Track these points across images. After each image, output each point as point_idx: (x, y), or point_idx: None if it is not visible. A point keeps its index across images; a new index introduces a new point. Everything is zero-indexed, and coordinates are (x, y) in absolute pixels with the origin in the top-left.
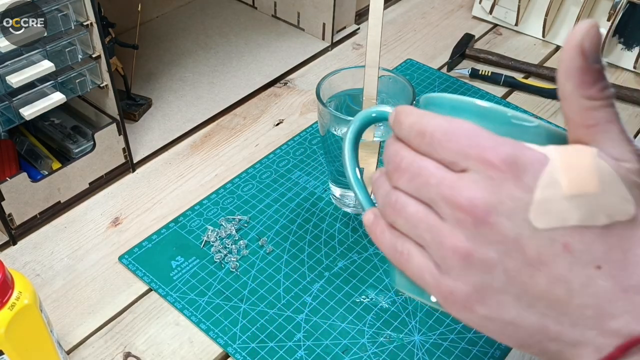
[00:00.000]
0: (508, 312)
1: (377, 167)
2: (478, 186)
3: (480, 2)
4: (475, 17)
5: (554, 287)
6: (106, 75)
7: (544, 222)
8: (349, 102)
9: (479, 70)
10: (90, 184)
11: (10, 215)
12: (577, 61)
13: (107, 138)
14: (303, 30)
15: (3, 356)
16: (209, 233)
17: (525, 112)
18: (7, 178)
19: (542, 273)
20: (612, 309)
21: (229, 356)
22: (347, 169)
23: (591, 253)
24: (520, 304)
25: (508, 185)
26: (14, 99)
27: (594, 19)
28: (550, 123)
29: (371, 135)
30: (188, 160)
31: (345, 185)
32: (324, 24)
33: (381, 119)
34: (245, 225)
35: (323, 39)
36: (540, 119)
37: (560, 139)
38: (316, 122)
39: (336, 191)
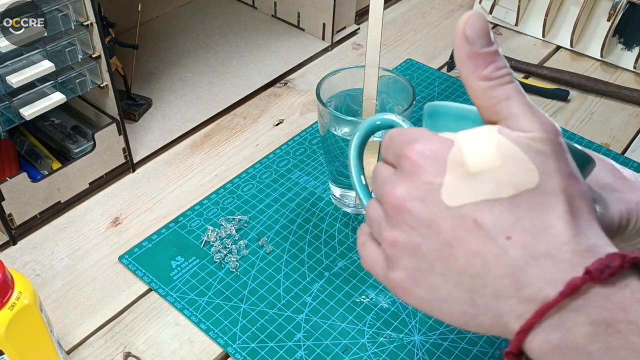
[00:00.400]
0: (439, 291)
1: None
2: (400, 180)
3: (480, 2)
4: None
5: (472, 261)
6: (106, 75)
7: (454, 200)
8: (349, 102)
9: None
10: (90, 184)
11: (10, 215)
12: (465, 48)
13: (107, 138)
14: (303, 30)
15: (3, 356)
16: (209, 233)
17: None
18: (7, 178)
19: (459, 249)
20: (526, 277)
21: (229, 356)
22: (352, 175)
23: (501, 225)
24: (447, 282)
25: (422, 173)
26: (14, 99)
27: (478, 11)
28: None
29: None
30: (188, 160)
31: (345, 185)
32: (324, 24)
33: (385, 126)
34: (245, 225)
35: (323, 39)
36: None
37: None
38: (316, 122)
39: (336, 191)
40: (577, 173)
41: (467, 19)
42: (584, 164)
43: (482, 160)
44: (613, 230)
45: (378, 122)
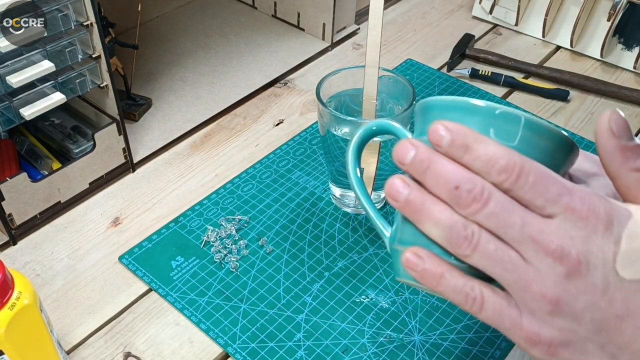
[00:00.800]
0: (590, 359)
1: (377, 167)
2: (568, 234)
3: (480, 2)
4: (475, 17)
5: (638, 338)
6: (106, 75)
7: (630, 273)
8: (349, 102)
9: (479, 70)
10: (90, 184)
11: (10, 215)
12: (612, 142)
13: (107, 138)
14: (303, 30)
15: (3, 356)
16: (209, 233)
17: (525, 112)
18: (7, 178)
19: (628, 324)
20: None
21: (229, 356)
22: (349, 171)
23: None
24: (603, 352)
25: (596, 236)
26: (14, 99)
27: (616, 109)
28: (550, 123)
29: None
30: (188, 160)
31: (345, 185)
32: (324, 24)
33: (382, 132)
34: (245, 225)
35: (323, 39)
36: (541, 119)
37: (542, 130)
38: (316, 122)
39: (336, 191)
40: None
41: (610, 115)
42: (570, 151)
43: None
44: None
45: (374, 128)
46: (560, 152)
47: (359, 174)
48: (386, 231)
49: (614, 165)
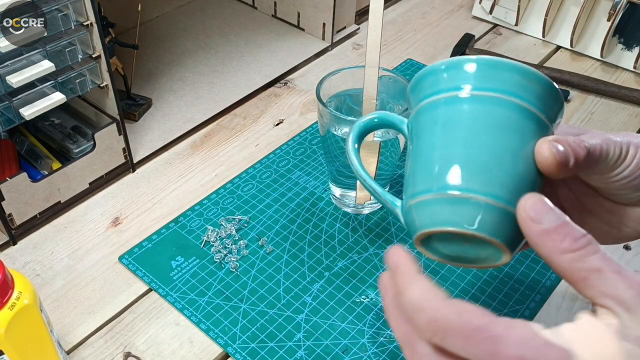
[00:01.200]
0: None
1: (377, 167)
2: None
3: (480, 2)
4: (475, 17)
5: None
6: (106, 75)
7: None
8: (349, 102)
9: None
10: (90, 184)
11: (10, 215)
12: (534, 228)
13: (107, 138)
14: (303, 30)
15: (3, 356)
16: (209, 233)
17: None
18: (7, 178)
19: None
20: None
21: (229, 356)
22: (358, 170)
23: None
24: None
25: None
26: (14, 99)
27: (533, 194)
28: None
29: (371, 135)
30: (188, 160)
31: (345, 185)
32: (324, 24)
33: (383, 124)
34: (245, 225)
35: (323, 39)
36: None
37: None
38: (316, 122)
39: (336, 191)
40: None
41: (526, 202)
42: (558, 98)
43: None
44: (597, 151)
45: (376, 120)
46: (550, 98)
47: (360, 162)
48: (397, 201)
49: (543, 251)
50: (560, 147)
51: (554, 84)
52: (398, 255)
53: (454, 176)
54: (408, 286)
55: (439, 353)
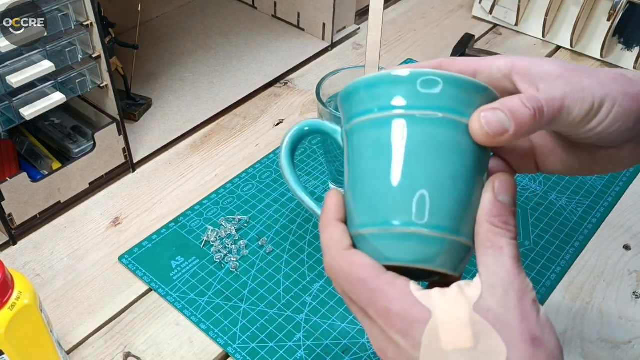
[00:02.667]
0: None
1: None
2: (378, 338)
3: (480, 2)
4: (475, 17)
5: None
6: (106, 75)
7: None
8: None
9: None
10: (90, 184)
11: (10, 215)
12: (489, 195)
13: (107, 138)
14: (303, 30)
15: (3, 356)
16: (209, 233)
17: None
18: (7, 178)
19: None
20: None
21: (229, 356)
22: (291, 187)
23: None
24: None
25: (398, 340)
26: (14, 99)
27: (506, 174)
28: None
29: None
30: (188, 160)
31: None
32: (324, 24)
33: (315, 132)
34: (245, 225)
35: (323, 39)
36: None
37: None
38: None
39: None
40: (540, 335)
41: (499, 176)
42: (488, 95)
43: (457, 339)
44: (555, 109)
45: (306, 128)
46: (482, 99)
47: (296, 175)
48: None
49: (480, 213)
50: (491, 117)
51: (485, 85)
52: (329, 197)
53: (394, 209)
54: (322, 230)
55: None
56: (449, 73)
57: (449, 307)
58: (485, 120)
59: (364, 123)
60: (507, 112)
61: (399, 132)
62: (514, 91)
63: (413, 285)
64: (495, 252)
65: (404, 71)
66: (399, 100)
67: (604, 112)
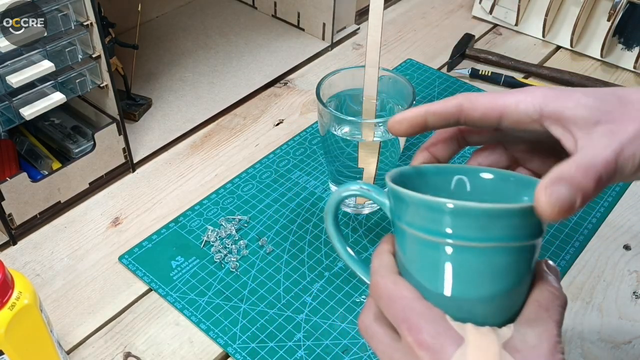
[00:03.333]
0: None
1: (377, 167)
2: (402, 357)
3: (480, 2)
4: (475, 17)
5: None
6: (106, 75)
7: None
8: (349, 102)
9: (479, 70)
10: (90, 184)
11: (10, 215)
12: (544, 288)
13: (107, 138)
14: (303, 30)
15: (3, 356)
16: (209, 233)
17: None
18: (7, 178)
19: None
20: None
21: (229, 356)
22: (338, 250)
23: None
24: None
25: (424, 358)
26: (14, 99)
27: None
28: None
29: (371, 136)
30: (188, 160)
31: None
32: (324, 24)
33: (354, 196)
34: (245, 225)
35: (323, 39)
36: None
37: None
38: (316, 122)
39: None
40: None
41: (548, 266)
42: (533, 217)
43: None
44: (610, 172)
45: (345, 194)
46: (525, 223)
47: (342, 240)
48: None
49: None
50: (561, 193)
51: (532, 206)
52: (386, 242)
53: (446, 308)
54: (374, 257)
55: (378, 318)
56: (502, 207)
57: (481, 339)
58: (555, 199)
59: (416, 237)
60: (571, 187)
61: (452, 258)
62: (544, 133)
63: (448, 316)
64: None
65: (463, 206)
66: (452, 230)
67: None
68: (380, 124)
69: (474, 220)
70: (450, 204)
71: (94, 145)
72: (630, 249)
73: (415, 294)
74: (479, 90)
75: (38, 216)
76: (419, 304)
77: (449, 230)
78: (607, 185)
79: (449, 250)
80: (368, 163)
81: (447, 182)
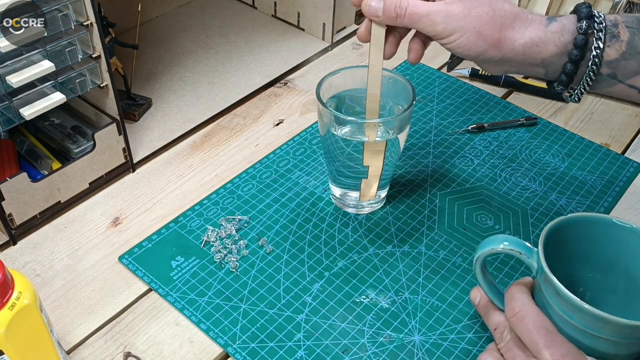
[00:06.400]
0: None
1: (382, 166)
2: None
3: None
4: None
5: None
6: (106, 75)
7: None
8: (349, 102)
9: (478, 70)
10: (90, 184)
11: (10, 215)
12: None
13: (107, 138)
14: (303, 30)
15: (3, 356)
16: (209, 233)
17: (524, 112)
18: (7, 178)
19: None
20: None
21: (229, 356)
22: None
23: None
24: None
25: None
26: (14, 99)
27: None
28: (550, 123)
29: (374, 135)
30: (188, 160)
31: (345, 185)
32: (324, 24)
33: (507, 254)
34: (245, 225)
35: (323, 39)
36: (540, 119)
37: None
38: (316, 122)
39: (336, 191)
40: None
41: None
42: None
43: None
44: (412, 20)
45: (499, 248)
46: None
47: (488, 282)
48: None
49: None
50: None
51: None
52: (526, 279)
53: None
54: (513, 284)
55: (515, 339)
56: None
57: None
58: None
59: (561, 317)
60: (380, 6)
61: (594, 342)
62: None
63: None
64: None
65: (617, 321)
66: (601, 332)
67: (452, 39)
68: (380, 125)
69: (622, 329)
70: (605, 318)
71: (94, 145)
72: None
73: (554, 327)
74: (479, 90)
75: (38, 216)
76: (559, 336)
77: (597, 331)
78: (411, 27)
79: (593, 337)
80: (373, 162)
81: (600, 232)
